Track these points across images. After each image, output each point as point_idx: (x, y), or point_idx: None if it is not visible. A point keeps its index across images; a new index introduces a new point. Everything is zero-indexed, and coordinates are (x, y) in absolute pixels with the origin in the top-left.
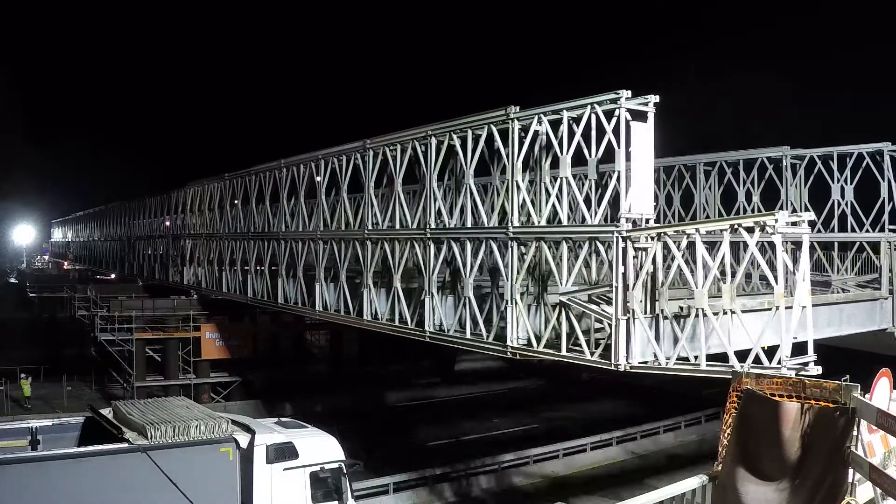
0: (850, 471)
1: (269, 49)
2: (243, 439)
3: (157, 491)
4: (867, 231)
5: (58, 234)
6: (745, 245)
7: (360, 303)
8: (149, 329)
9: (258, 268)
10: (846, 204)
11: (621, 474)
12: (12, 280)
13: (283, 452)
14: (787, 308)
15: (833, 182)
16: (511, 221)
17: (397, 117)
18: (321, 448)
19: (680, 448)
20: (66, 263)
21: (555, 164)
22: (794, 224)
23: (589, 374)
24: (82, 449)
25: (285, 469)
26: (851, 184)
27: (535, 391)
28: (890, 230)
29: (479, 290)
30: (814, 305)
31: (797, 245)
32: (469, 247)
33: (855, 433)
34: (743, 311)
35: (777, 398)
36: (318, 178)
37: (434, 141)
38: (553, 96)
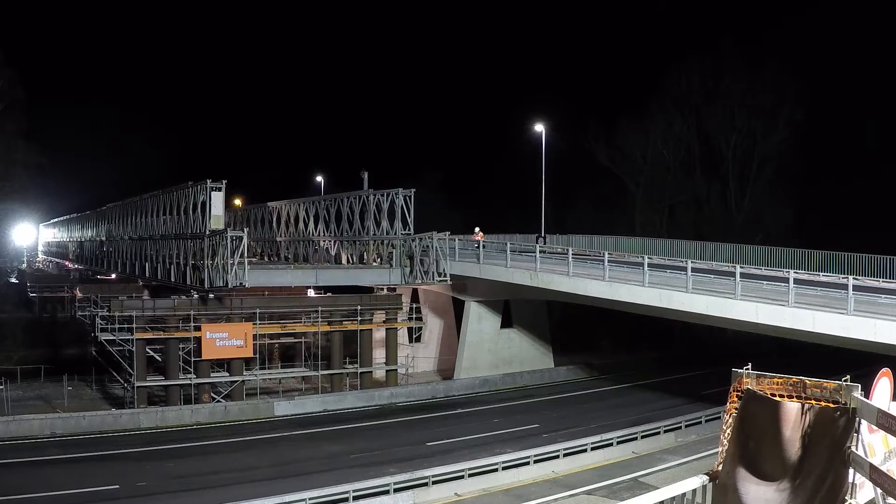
0: (851, 471)
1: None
2: None
3: None
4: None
5: (46, 237)
6: None
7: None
8: (149, 329)
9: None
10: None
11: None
12: (13, 280)
13: None
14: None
15: (396, 207)
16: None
17: None
18: None
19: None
20: (67, 263)
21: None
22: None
23: None
24: None
25: None
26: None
27: None
28: (403, 234)
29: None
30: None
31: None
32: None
33: (855, 433)
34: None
35: (777, 398)
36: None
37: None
38: None
